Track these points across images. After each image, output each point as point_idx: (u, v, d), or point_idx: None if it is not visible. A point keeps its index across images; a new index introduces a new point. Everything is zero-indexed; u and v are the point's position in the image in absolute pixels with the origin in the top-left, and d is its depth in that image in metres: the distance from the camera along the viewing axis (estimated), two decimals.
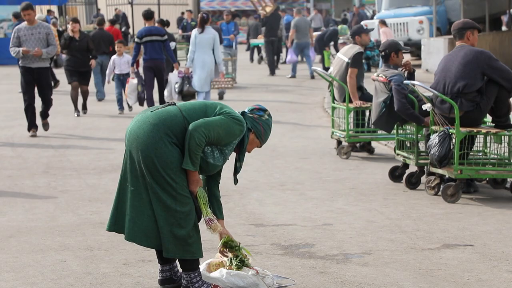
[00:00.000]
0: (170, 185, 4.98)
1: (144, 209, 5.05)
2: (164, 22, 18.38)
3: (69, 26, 15.60)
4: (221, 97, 17.44)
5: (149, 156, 4.96)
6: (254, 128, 5.24)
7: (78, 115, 15.07)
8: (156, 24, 15.96)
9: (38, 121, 12.81)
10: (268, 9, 25.19)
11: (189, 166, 4.99)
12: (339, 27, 25.08)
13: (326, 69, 22.39)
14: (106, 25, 21.39)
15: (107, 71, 15.82)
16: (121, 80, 15.57)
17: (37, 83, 12.44)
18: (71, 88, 15.19)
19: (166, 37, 14.53)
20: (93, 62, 15.31)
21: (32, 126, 12.68)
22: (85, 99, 15.40)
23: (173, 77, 15.01)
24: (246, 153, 5.32)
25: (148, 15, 14.73)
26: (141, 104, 15.02)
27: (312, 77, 22.21)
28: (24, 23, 12.47)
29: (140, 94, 14.89)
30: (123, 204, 5.16)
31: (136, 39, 14.68)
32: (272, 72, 23.33)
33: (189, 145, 4.94)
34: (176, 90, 14.81)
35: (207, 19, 14.26)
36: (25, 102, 12.44)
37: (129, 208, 5.10)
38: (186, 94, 14.65)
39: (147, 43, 14.26)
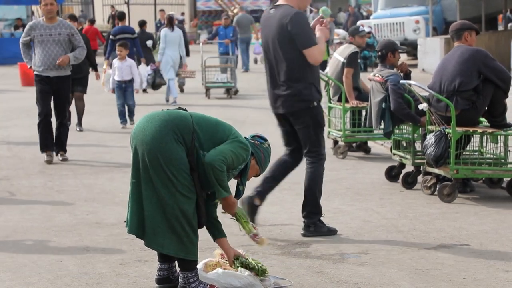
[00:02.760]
0: (171, 181, 4.99)
1: (143, 202, 5.06)
2: (141, 23, 19.52)
3: None
4: (181, 89, 18.95)
5: (154, 150, 4.98)
6: (256, 153, 5.34)
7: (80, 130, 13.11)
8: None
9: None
10: (236, 10, 25.95)
11: (223, 194, 5.10)
12: (320, 10, 24.75)
13: (324, 62, 22.47)
14: (85, 25, 21.74)
15: (111, 79, 13.79)
16: (123, 88, 13.56)
17: (54, 95, 10.16)
18: None
19: (136, 35, 16.77)
20: (97, 75, 12.92)
21: (46, 147, 10.25)
22: (80, 113, 13.09)
23: (142, 69, 16.31)
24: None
25: (120, 16, 17.43)
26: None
27: (246, 70, 24.10)
28: (41, 20, 10.06)
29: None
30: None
31: (111, 37, 16.72)
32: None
33: (214, 177, 5.02)
34: (149, 81, 16.71)
35: (173, 19, 17.22)
36: (39, 116, 10.19)
37: (131, 200, 5.13)
38: (157, 84, 16.94)
39: (120, 40, 15.64)
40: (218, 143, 5.10)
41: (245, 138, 5.36)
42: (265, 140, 5.45)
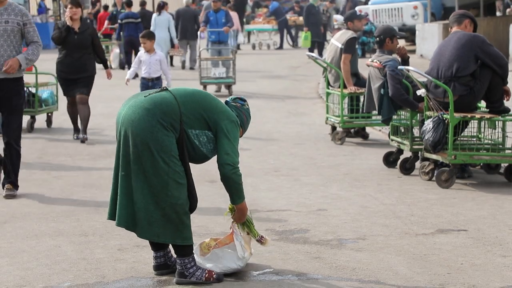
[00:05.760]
0: (163, 169, 4.98)
1: (133, 194, 5.05)
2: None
3: (67, 12, 10.73)
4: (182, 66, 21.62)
5: (145, 140, 4.96)
6: (239, 116, 5.36)
7: (77, 138, 10.92)
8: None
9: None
10: None
11: (239, 201, 5.22)
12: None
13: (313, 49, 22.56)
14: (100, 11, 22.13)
15: (131, 70, 11.37)
16: (149, 88, 10.19)
17: (0, 103, 7.54)
18: (68, 103, 11.06)
19: (139, 20, 20.21)
20: (108, 72, 11.09)
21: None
22: (85, 119, 10.71)
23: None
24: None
25: (128, 3, 20.51)
26: (122, 67, 20.42)
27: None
28: None
29: (121, 60, 20.90)
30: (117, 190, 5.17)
31: (119, 21, 20.35)
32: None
33: (234, 187, 5.12)
34: None
35: (163, 6, 19.85)
36: None
37: (119, 193, 5.11)
38: None
39: (126, 24, 20.02)
40: (205, 119, 5.08)
41: (226, 101, 5.41)
42: (245, 101, 5.50)
